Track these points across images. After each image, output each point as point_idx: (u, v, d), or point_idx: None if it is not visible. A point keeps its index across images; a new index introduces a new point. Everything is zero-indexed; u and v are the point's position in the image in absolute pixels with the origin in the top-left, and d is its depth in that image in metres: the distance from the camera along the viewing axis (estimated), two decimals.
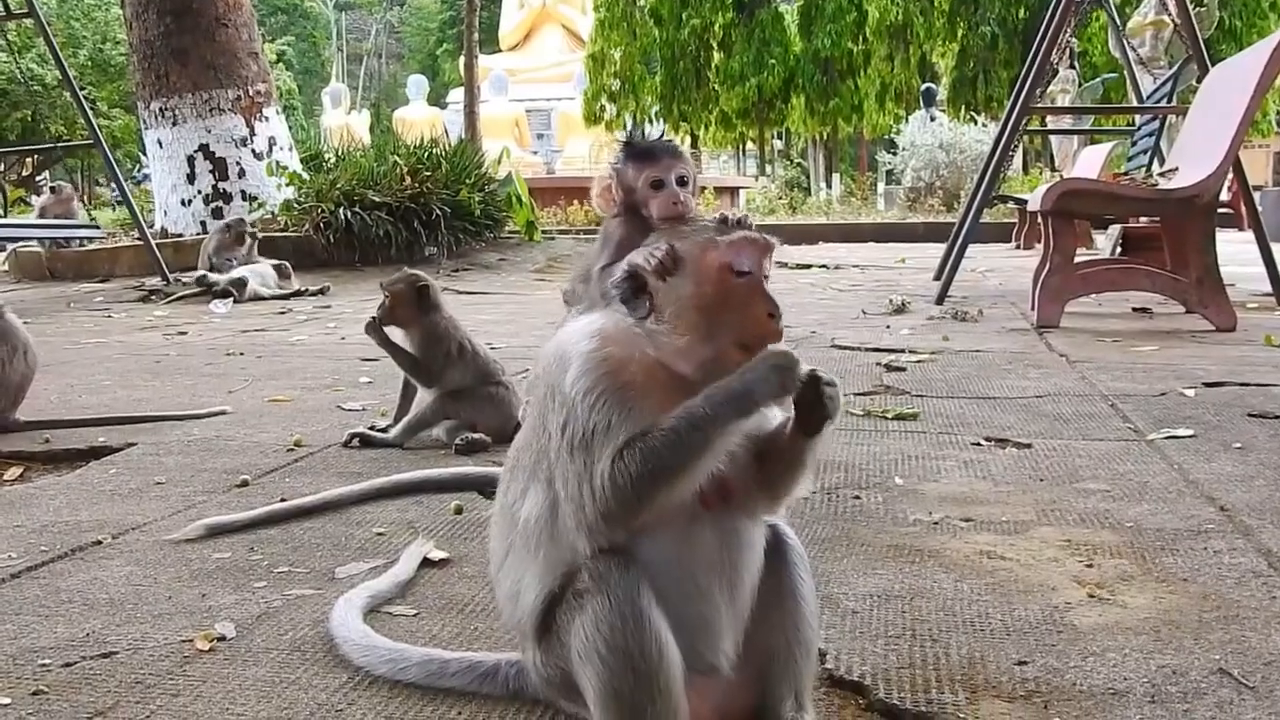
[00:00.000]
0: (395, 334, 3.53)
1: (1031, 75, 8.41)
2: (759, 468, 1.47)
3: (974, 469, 3.02)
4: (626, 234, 1.98)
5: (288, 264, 9.81)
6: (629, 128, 1.96)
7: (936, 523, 2.52)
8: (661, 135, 2.08)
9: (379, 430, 3.51)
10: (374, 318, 3.52)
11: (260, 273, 9.47)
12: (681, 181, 1.94)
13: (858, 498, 2.75)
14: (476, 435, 3.39)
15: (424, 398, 3.51)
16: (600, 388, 1.40)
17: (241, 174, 12.29)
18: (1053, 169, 20.78)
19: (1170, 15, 12.29)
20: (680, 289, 1.43)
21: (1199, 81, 7.49)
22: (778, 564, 1.51)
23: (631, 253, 1.52)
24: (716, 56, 30.86)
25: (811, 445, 1.45)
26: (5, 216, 13.73)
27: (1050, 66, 8.89)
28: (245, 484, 2.99)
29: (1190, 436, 3.35)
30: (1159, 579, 2.13)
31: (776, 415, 1.49)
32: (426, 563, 2.26)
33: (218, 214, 11.93)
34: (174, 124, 12.22)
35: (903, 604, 2.02)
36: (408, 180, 11.19)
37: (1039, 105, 9.20)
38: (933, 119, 24.45)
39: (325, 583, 2.18)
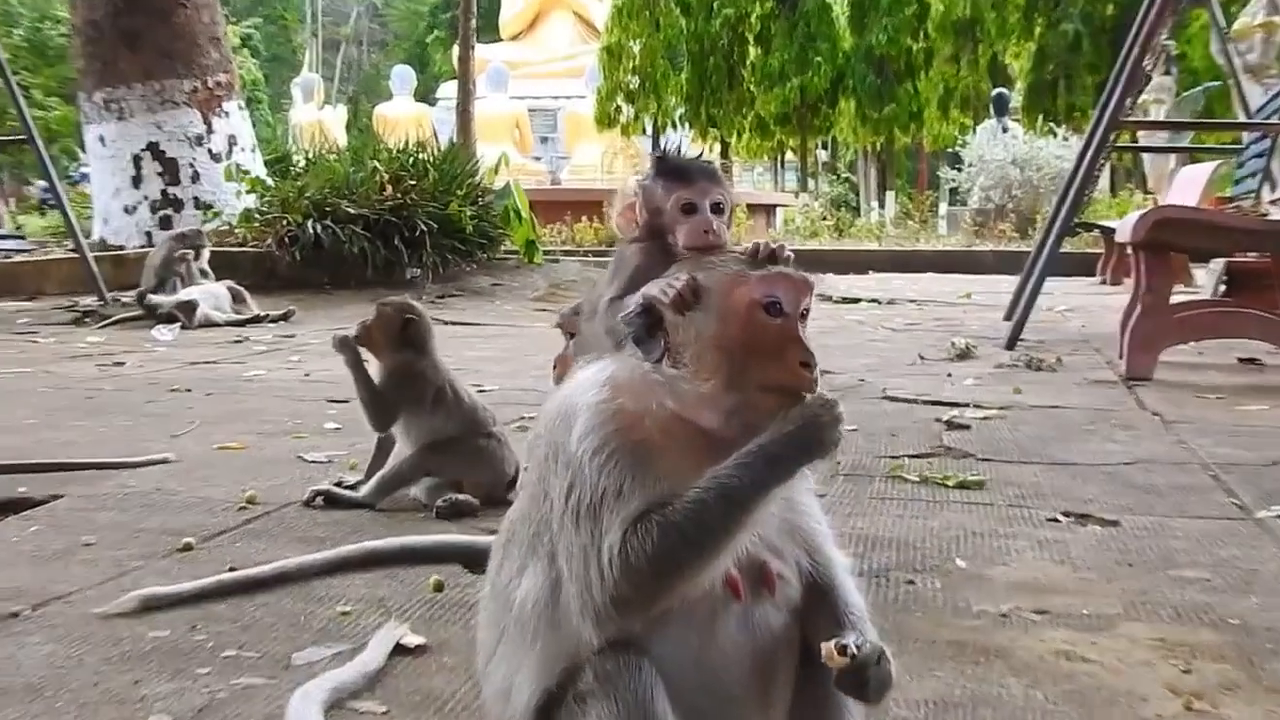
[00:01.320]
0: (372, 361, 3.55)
1: (1121, 82, 8.43)
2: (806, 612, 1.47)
3: (1050, 550, 3.01)
4: (645, 263, 2.00)
5: (243, 290, 9.83)
6: (661, 142, 1.98)
7: (1005, 615, 2.50)
8: (700, 156, 2.12)
9: (347, 487, 3.50)
10: (349, 334, 3.52)
11: (213, 294, 9.51)
12: (717, 209, 1.97)
13: (911, 583, 2.73)
14: (462, 496, 3.38)
15: (401, 450, 3.51)
16: (611, 446, 1.40)
17: (195, 178, 12.38)
18: (1145, 192, 20.76)
19: None
20: (702, 327, 1.44)
21: None
22: (818, 664, 1.50)
23: (648, 284, 1.53)
24: (753, 52, 31.03)
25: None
26: None
27: (1143, 72, 8.90)
28: (189, 548, 2.98)
29: None
30: (1269, 688, 2.11)
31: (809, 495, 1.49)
32: (399, 650, 2.25)
33: (166, 224, 12.02)
34: (120, 118, 12.33)
35: (964, 714, 2.00)
36: (388, 189, 11.26)
37: (1129, 118, 9.21)
38: (1004, 130, 24.51)
39: (280, 671, 2.17)
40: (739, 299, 1.45)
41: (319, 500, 3.44)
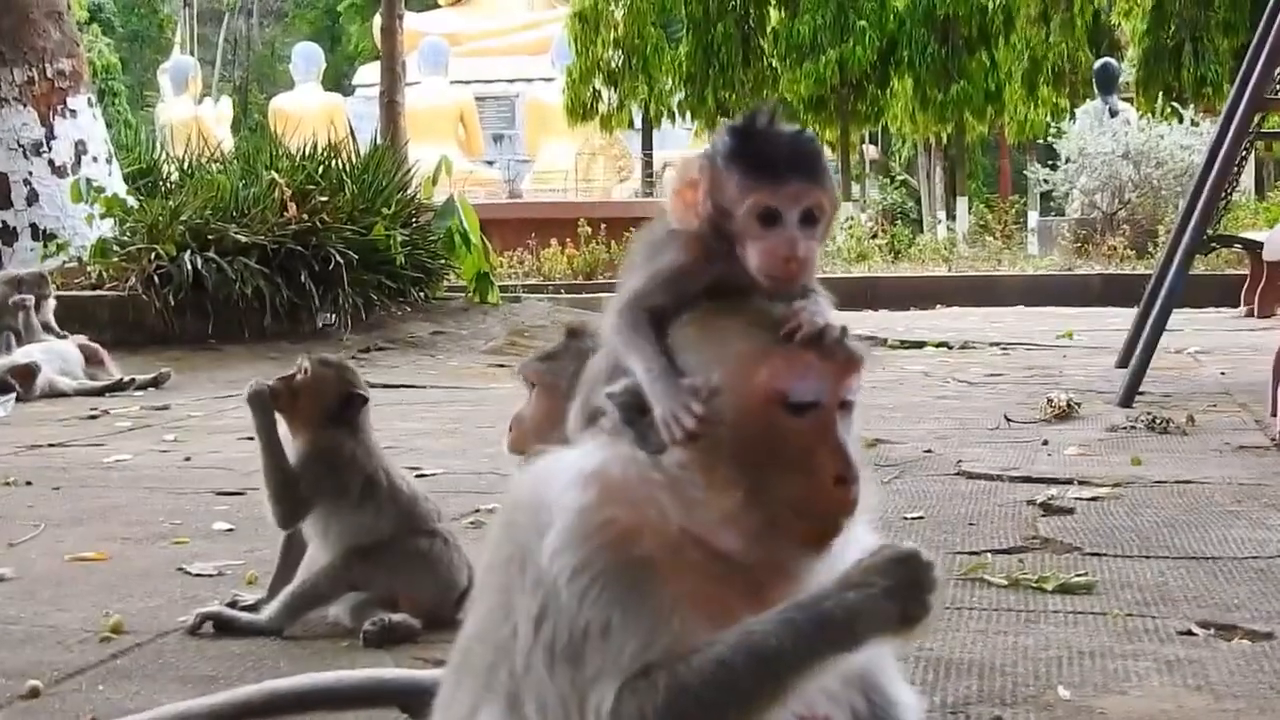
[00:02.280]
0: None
1: (1266, 47, 8.50)
2: None
3: (1183, 673, 3.02)
4: (688, 263, 1.83)
5: (99, 348, 9.83)
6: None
7: None
8: (803, 133, 1.85)
9: (244, 608, 3.51)
10: (268, 387, 3.54)
11: (59, 355, 9.50)
12: (809, 219, 1.76)
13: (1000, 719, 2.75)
14: (398, 617, 3.39)
15: (316, 557, 3.52)
16: (596, 568, 1.40)
17: (32, 198, 12.41)
18: None
19: None
20: (711, 419, 1.45)
21: None
22: None
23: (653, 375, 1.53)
24: (774, 16, 31.20)
25: None
26: None
27: None
28: (35, 694, 2.99)
29: None
30: None
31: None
32: None
33: None
34: None
35: None
36: (291, 209, 11.27)
37: (1278, 96, 9.28)
38: (1113, 113, 24.63)
39: None
40: (755, 390, 1.46)
41: (207, 626, 3.45)
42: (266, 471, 3.53)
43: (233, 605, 3.54)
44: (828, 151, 38.39)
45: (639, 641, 1.37)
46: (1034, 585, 3.77)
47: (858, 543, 1.51)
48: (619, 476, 1.47)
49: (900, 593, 1.36)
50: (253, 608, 3.52)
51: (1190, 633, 3.32)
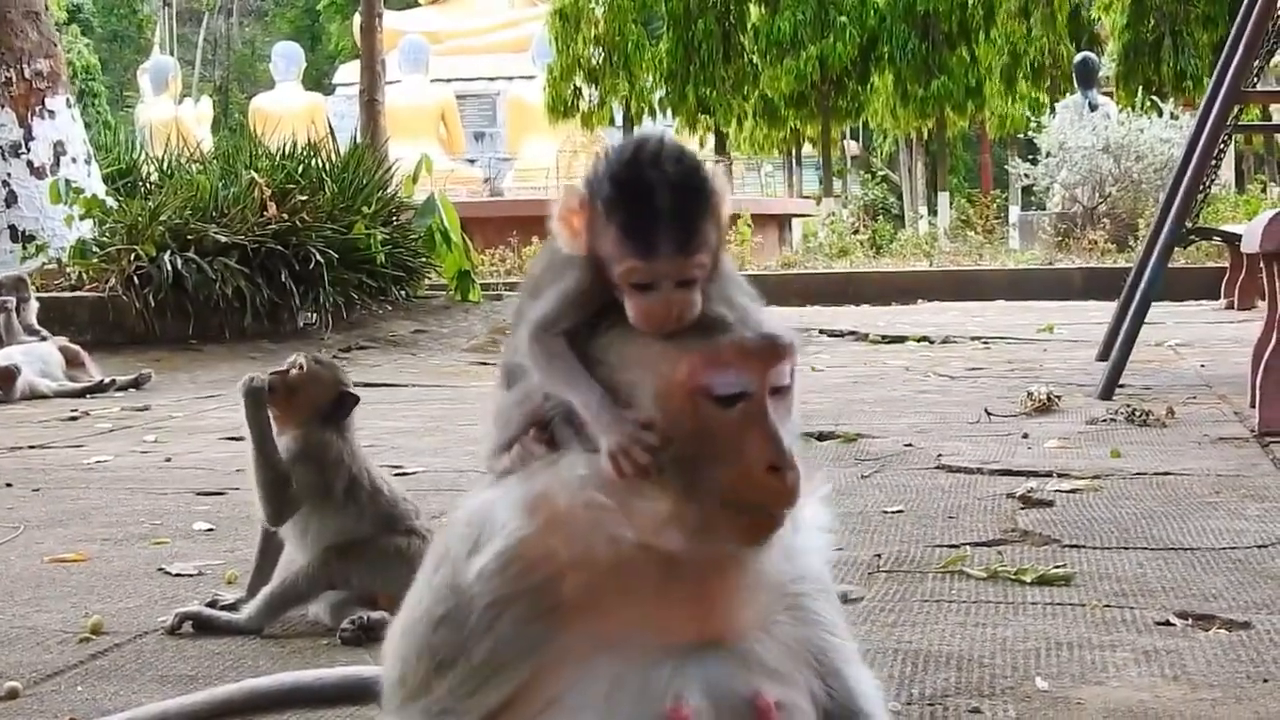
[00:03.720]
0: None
1: (1244, 39, 8.51)
2: None
3: (1160, 663, 3.03)
4: (588, 290, 1.78)
5: (79, 349, 9.82)
6: (639, 145, 1.65)
7: None
8: (685, 185, 1.70)
9: (224, 607, 3.52)
10: (264, 382, 3.52)
11: (39, 357, 9.48)
12: (687, 284, 1.64)
13: (977, 711, 2.76)
14: (376, 614, 3.38)
15: (296, 556, 3.52)
16: (517, 612, 1.42)
17: (11, 200, 12.37)
18: None
19: None
20: (661, 447, 1.45)
21: None
22: None
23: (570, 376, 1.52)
24: (755, 13, 31.27)
25: None
26: None
27: (1273, 28, 9.01)
28: (14, 695, 2.99)
29: None
30: None
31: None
32: None
33: None
34: None
35: None
36: (271, 209, 11.27)
37: (1257, 87, 9.29)
38: (1093, 107, 24.66)
39: None
40: (675, 390, 1.44)
41: (187, 625, 3.45)
42: (258, 468, 3.52)
43: (212, 605, 3.54)
44: (810, 150, 38.52)
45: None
46: (1013, 577, 3.78)
47: (809, 530, 1.50)
48: (567, 501, 1.46)
49: None
50: (232, 607, 3.52)
51: (1168, 623, 3.33)
